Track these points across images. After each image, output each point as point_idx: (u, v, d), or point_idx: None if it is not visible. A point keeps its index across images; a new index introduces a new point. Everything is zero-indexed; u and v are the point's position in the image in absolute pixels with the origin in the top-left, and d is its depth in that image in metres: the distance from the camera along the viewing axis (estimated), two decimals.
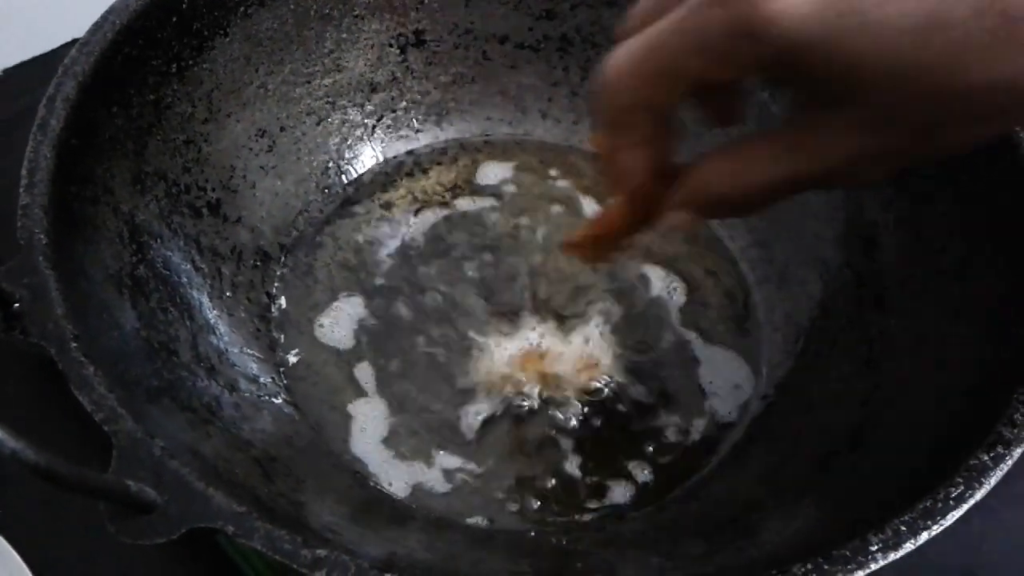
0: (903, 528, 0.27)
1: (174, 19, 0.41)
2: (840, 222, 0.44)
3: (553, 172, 0.51)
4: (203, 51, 0.43)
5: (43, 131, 0.35)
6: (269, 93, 0.47)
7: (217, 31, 0.43)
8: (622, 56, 0.27)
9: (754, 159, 0.27)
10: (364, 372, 0.43)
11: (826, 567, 0.26)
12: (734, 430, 0.42)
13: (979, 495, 0.28)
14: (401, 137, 0.52)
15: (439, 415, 0.42)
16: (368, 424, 0.41)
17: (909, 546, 0.27)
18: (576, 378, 0.43)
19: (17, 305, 0.30)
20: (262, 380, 0.41)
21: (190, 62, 0.42)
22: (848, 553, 0.27)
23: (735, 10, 0.23)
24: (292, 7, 0.46)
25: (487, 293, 0.45)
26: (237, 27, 0.44)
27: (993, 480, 0.28)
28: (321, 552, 0.26)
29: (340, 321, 0.45)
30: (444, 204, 0.49)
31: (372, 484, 0.40)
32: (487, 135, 0.52)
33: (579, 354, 0.43)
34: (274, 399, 0.41)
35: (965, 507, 0.28)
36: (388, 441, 0.41)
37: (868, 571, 0.27)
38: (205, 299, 0.41)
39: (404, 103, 0.51)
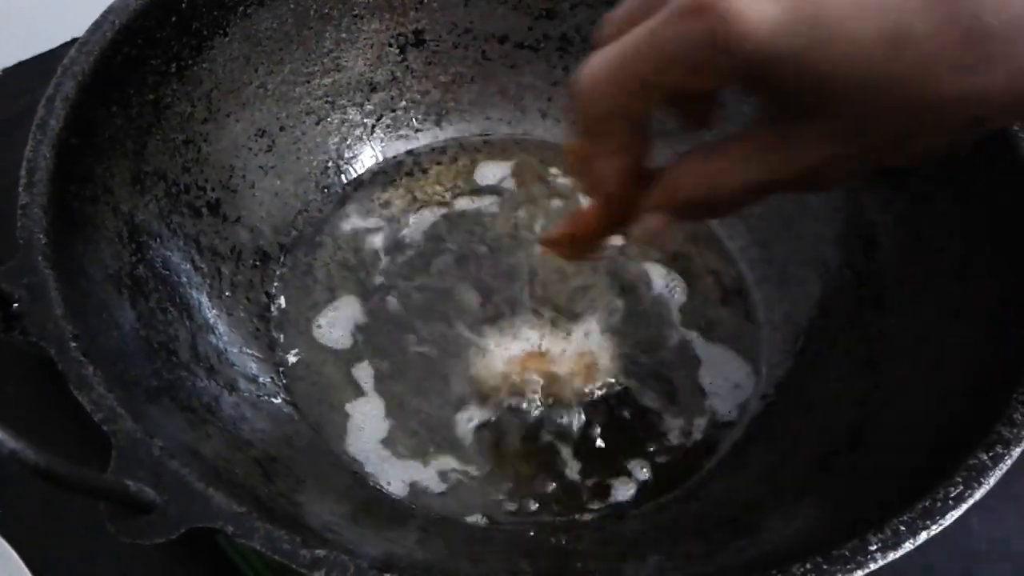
0: (902, 528, 0.27)
1: (173, 19, 0.41)
2: (840, 222, 0.44)
3: (553, 171, 0.51)
4: (202, 51, 0.43)
5: (42, 131, 0.34)
6: (268, 93, 0.47)
7: (216, 31, 0.43)
8: (597, 64, 0.27)
9: (727, 162, 0.28)
10: (363, 372, 0.43)
11: (825, 567, 0.26)
12: (734, 430, 0.42)
13: (978, 495, 0.28)
14: (400, 137, 0.51)
15: (438, 415, 0.42)
16: (367, 424, 0.41)
17: (908, 546, 0.27)
18: (576, 378, 0.43)
19: (16, 305, 0.30)
20: (261, 380, 0.41)
21: (189, 62, 0.42)
22: (847, 553, 0.27)
23: (708, 23, 0.24)
24: (291, 7, 0.46)
25: (487, 293, 0.45)
26: (236, 27, 0.44)
27: (992, 480, 0.28)
28: (320, 552, 0.26)
29: (339, 321, 0.45)
30: (443, 204, 0.49)
31: (371, 484, 0.40)
32: (487, 135, 0.52)
33: (579, 354, 0.43)
34: (273, 399, 0.41)
35: (964, 507, 0.28)
36: (387, 441, 0.41)
37: (867, 571, 0.27)
38: (204, 299, 0.41)
39: (404, 103, 0.51)
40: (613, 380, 0.43)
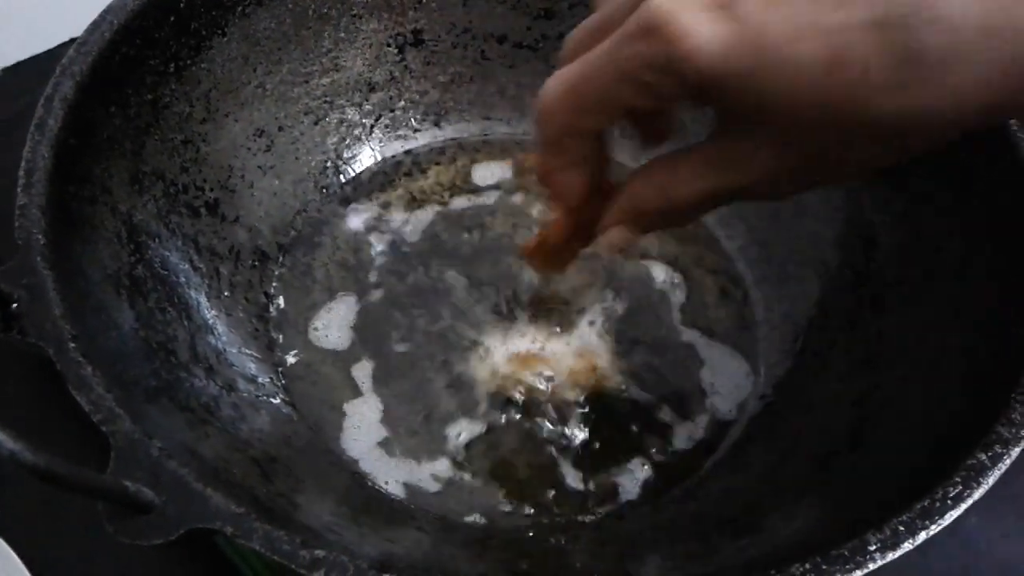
0: (902, 528, 0.27)
1: (172, 19, 0.41)
2: (839, 222, 0.44)
3: None
4: (201, 51, 0.43)
5: (41, 131, 0.34)
6: (267, 93, 0.47)
7: (215, 31, 0.43)
8: (555, 84, 0.29)
9: (682, 173, 0.29)
10: (361, 372, 0.43)
11: (825, 567, 0.26)
12: (733, 429, 0.42)
13: (977, 495, 0.28)
14: (399, 137, 0.51)
15: (437, 415, 0.42)
16: (366, 424, 0.41)
17: (907, 546, 0.27)
18: (575, 377, 0.43)
19: (15, 305, 0.30)
20: (260, 380, 0.41)
21: (188, 62, 0.42)
22: (847, 553, 0.27)
23: (657, 45, 0.25)
24: (290, 7, 0.46)
25: (486, 293, 0.45)
26: (235, 27, 0.44)
27: (991, 480, 0.28)
28: (319, 552, 0.26)
29: (338, 321, 0.45)
30: (442, 204, 0.49)
31: (370, 484, 0.40)
32: (486, 135, 0.52)
33: (578, 353, 0.43)
34: (272, 399, 0.41)
35: (964, 507, 0.28)
36: (386, 441, 0.41)
37: (867, 571, 0.27)
38: (203, 299, 0.41)
39: (402, 103, 0.51)
40: (612, 380, 0.43)
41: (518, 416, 0.41)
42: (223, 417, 0.36)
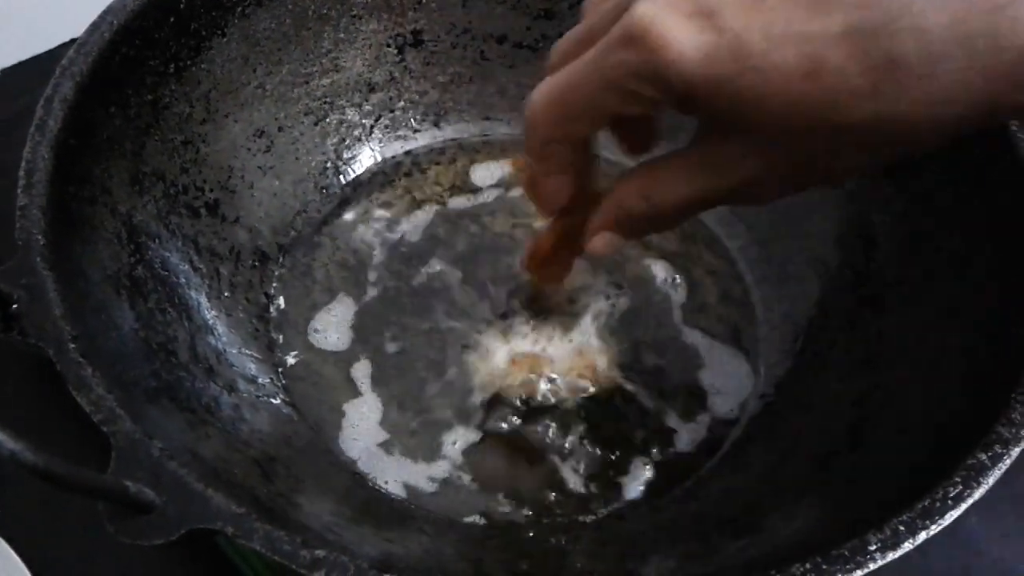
0: (902, 528, 0.27)
1: (172, 19, 0.41)
2: (839, 222, 0.44)
3: None
4: (201, 51, 0.43)
5: (41, 131, 0.34)
6: (267, 93, 0.47)
7: (215, 31, 0.43)
8: (542, 93, 0.30)
9: (666, 178, 0.30)
10: (361, 372, 0.43)
11: (825, 567, 0.26)
12: (734, 429, 0.42)
13: (978, 494, 0.28)
14: (399, 137, 0.51)
15: (436, 415, 0.42)
16: (366, 424, 0.41)
17: (908, 546, 0.27)
18: (575, 377, 0.43)
19: (15, 306, 0.30)
20: (260, 380, 0.41)
21: (188, 62, 0.42)
22: (847, 553, 0.27)
23: (641, 55, 0.26)
24: (290, 7, 0.46)
25: (485, 293, 0.45)
26: (235, 27, 0.44)
27: (992, 479, 0.28)
28: (320, 553, 0.26)
29: (338, 321, 0.45)
30: (442, 204, 0.49)
31: (370, 484, 0.40)
32: (485, 135, 0.52)
33: (578, 353, 0.43)
34: (273, 399, 0.41)
35: (964, 507, 0.28)
36: (386, 441, 0.41)
37: (867, 571, 0.27)
38: (203, 299, 0.41)
39: (402, 103, 0.51)
40: (612, 380, 0.43)
41: (518, 416, 0.41)
42: (223, 417, 0.36)
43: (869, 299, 0.41)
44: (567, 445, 0.41)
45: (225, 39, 0.44)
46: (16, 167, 0.33)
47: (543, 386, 0.42)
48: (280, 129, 0.48)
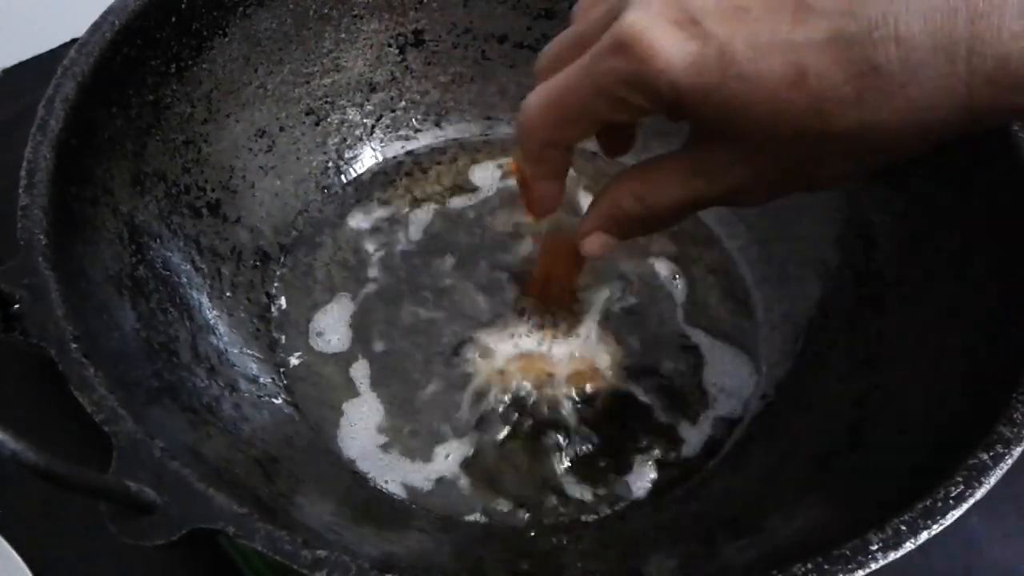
0: (903, 528, 0.27)
1: (173, 19, 0.41)
2: (839, 222, 0.44)
3: None
4: (202, 51, 0.43)
5: (42, 132, 0.34)
6: (268, 93, 0.47)
7: (216, 31, 0.43)
8: (536, 99, 0.31)
9: (657, 181, 0.31)
10: (362, 372, 0.43)
11: (826, 567, 0.26)
12: (734, 430, 0.42)
13: (979, 494, 0.28)
14: (400, 137, 0.52)
15: (437, 415, 0.42)
16: (366, 424, 0.41)
17: (909, 546, 0.27)
18: (576, 377, 0.43)
19: (17, 306, 0.30)
20: (262, 380, 0.41)
21: (189, 62, 0.42)
22: (848, 553, 0.27)
23: (630, 63, 0.27)
24: (291, 7, 0.46)
25: (486, 293, 0.45)
26: (236, 27, 0.44)
27: (993, 479, 0.28)
28: (321, 553, 0.26)
29: (339, 321, 0.45)
30: (443, 203, 0.49)
31: (371, 484, 0.40)
32: (486, 135, 0.52)
33: (579, 353, 0.43)
34: (274, 399, 0.41)
35: (965, 506, 0.28)
36: (387, 441, 0.41)
37: (868, 571, 0.27)
38: (205, 299, 0.41)
39: (403, 103, 0.51)
40: (613, 380, 0.43)
41: (519, 416, 0.41)
42: (225, 417, 0.36)
43: (869, 299, 0.41)
44: (569, 445, 0.41)
45: (226, 39, 0.44)
46: (17, 167, 0.33)
47: (545, 385, 0.42)
48: (281, 129, 0.48)
